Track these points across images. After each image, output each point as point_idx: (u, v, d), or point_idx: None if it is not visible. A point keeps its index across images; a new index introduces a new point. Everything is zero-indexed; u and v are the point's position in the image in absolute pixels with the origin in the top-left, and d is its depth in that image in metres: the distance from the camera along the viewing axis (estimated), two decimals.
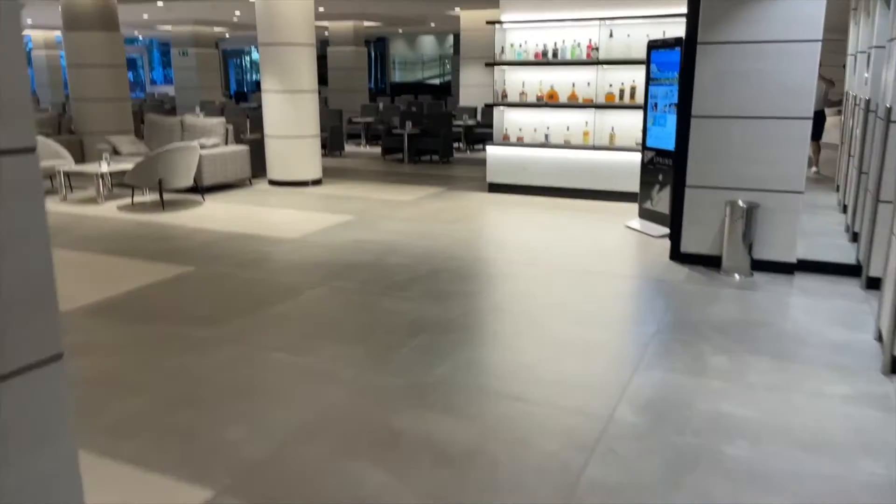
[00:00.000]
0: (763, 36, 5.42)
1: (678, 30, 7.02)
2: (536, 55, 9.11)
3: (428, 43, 30.64)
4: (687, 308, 4.91)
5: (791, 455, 2.98)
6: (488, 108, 10.30)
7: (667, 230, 6.59)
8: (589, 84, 8.87)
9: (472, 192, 9.60)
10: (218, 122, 10.07)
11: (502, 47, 9.33)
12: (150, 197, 9.06)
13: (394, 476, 2.81)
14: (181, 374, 3.81)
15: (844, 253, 6.05)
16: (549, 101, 9.12)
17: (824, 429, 3.20)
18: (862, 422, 3.27)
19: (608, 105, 8.79)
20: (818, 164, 10.68)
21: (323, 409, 3.40)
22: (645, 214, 7.48)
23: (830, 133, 11.37)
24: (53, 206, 8.71)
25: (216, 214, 8.21)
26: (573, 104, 8.99)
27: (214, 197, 9.26)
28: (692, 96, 5.69)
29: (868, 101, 6.10)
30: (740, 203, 5.55)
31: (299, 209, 8.53)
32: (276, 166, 10.18)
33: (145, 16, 18.26)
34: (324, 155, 11.05)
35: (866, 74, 6.54)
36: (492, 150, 9.48)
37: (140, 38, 30.70)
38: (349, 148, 15.31)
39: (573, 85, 8.97)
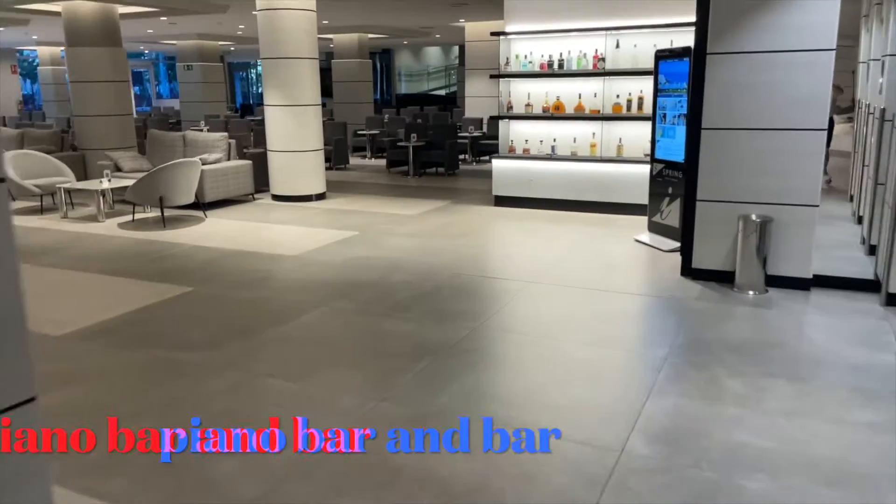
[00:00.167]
0: (775, 45, 5.26)
1: (685, 39, 6.87)
2: (542, 66, 8.97)
3: (433, 54, 30.59)
4: (700, 327, 4.74)
5: (815, 491, 2.80)
6: (494, 120, 10.15)
7: (677, 244, 6.43)
8: (596, 95, 8.73)
9: (478, 206, 9.45)
10: (220, 136, 9.97)
11: (507, 58, 9.21)
12: (152, 213, 8.96)
13: None
14: (173, 405, 3.66)
15: (861, 267, 5.86)
16: (555, 113, 8.98)
17: (848, 460, 3.02)
18: (889, 451, 3.09)
19: (615, 116, 8.64)
20: (828, 173, 10.47)
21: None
22: (654, 228, 7.31)
23: (840, 140, 11.16)
24: (54, 223, 8.63)
25: (217, 231, 8.09)
26: (580, 115, 8.84)
27: (217, 213, 9.16)
28: (702, 108, 5.53)
29: (883, 111, 5.92)
30: (753, 217, 5.38)
31: (302, 225, 8.41)
32: (279, 181, 10.06)
33: (150, 31, 18.28)
34: (328, 168, 10.94)
35: (881, 81, 6.35)
36: (497, 163, 9.33)
37: (146, 52, 30.82)
38: (354, 160, 15.21)
39: (580, 96, 8.83)
